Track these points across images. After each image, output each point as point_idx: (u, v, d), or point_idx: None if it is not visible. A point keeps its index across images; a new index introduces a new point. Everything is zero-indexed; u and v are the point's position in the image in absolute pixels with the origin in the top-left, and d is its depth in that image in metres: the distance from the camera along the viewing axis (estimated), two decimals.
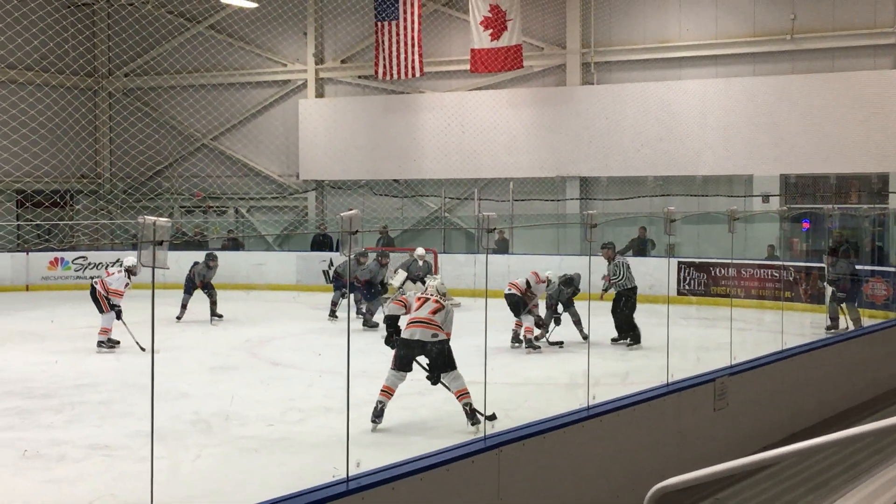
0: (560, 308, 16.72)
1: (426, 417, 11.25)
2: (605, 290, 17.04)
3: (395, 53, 27.53)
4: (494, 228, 8.03)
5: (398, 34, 27.43)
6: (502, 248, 25.21)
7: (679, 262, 22.69)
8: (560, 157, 27.16)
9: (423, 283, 21.32)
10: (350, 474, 6.25)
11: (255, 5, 29.75)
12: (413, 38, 27.31)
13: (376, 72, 28.07)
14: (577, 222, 24.89)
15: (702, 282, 22.66)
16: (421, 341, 10.71)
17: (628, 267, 16.75)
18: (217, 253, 27.71)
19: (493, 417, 9.63)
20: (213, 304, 19.97)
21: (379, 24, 27.67)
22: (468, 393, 10.45)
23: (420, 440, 9.74)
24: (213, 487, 8.64)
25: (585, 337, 15.81)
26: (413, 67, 27.49)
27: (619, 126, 26.37)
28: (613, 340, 16.55)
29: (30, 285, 25.60)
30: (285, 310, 22.53)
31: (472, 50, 26.85)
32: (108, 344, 15.87)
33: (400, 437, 10.13)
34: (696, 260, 22.85)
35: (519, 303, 16.02)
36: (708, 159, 25.51)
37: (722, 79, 25.67)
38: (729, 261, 20.97)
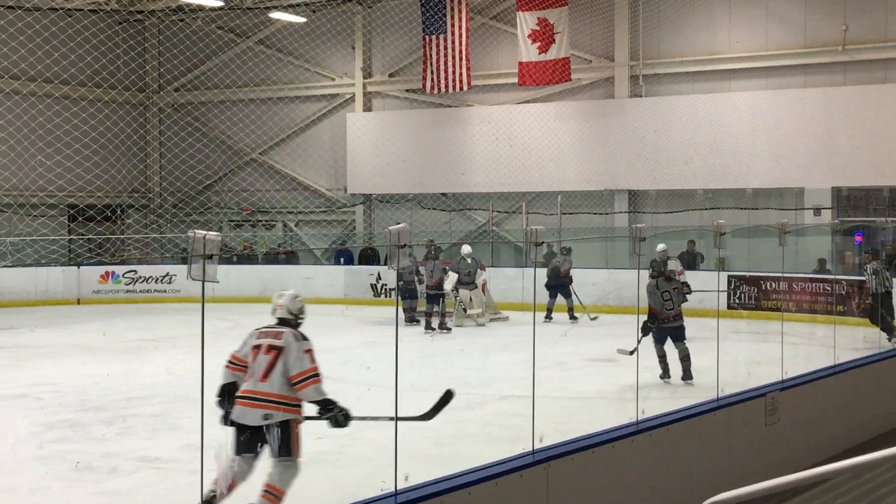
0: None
1: (475, 431, 11.22)
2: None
3: (442, 67, 27.58)
4: (542, 242, 8.00)
5: (446, 48, 27.47)
6: (550, 262, 25.12)
7: (729, 276, 22.49)
8: (608, 170, 27.05)
9: (475, 284, 21.39)
10: (398, 488, 6.25)
11: (303, 20, 29.96)
12: (461, 52, 27.35)
13: (424, 85, 28.13)
14: (626, 236, 24.75)
15: (752, 296, 22.45)
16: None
17: (875, 272, 17.69)
18: (266, 266, 27.96)
19: None
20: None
21: (427, 37, 27.74)
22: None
23: (469, 454, 9.71)
24: None
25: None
26: (461, 81, 27.52)
27: (668, 139, 26.22)
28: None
29: (81, 299, 25.90)
30: (333, 323, 22.61)
31: (520, 63, 26.83)
32: None
33: (448, 451, 10.11)
34: (747, 274, 22.65)
35: None
36: (758, 172, 25.29)
37: (772, 91, 25.46)
38: (780, 274, 20.76)
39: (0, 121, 29.13)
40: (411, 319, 21.43)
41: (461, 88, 27.67)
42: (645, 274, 15.94)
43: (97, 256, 28.73)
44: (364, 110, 30.86)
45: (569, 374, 15.13)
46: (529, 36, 26.63)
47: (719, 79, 26.23)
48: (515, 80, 27.21)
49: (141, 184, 33.73)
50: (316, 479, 9.27)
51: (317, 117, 31.87)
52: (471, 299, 21.68)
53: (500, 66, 28.56)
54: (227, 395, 7.61)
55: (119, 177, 32.53)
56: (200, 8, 29.26)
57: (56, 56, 28.30)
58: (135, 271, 26.58)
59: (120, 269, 26.75)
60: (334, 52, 31.24)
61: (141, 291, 26.43)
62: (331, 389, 14.15)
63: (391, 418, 7.37)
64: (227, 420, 7.56)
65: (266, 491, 7.51)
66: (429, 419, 8.02)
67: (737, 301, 22.50)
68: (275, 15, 29.78)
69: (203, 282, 5.75)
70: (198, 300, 6.22)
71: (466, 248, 21.70)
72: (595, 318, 21.34)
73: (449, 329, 20.57)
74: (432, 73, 27.73)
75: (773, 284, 22.06)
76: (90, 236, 29.84)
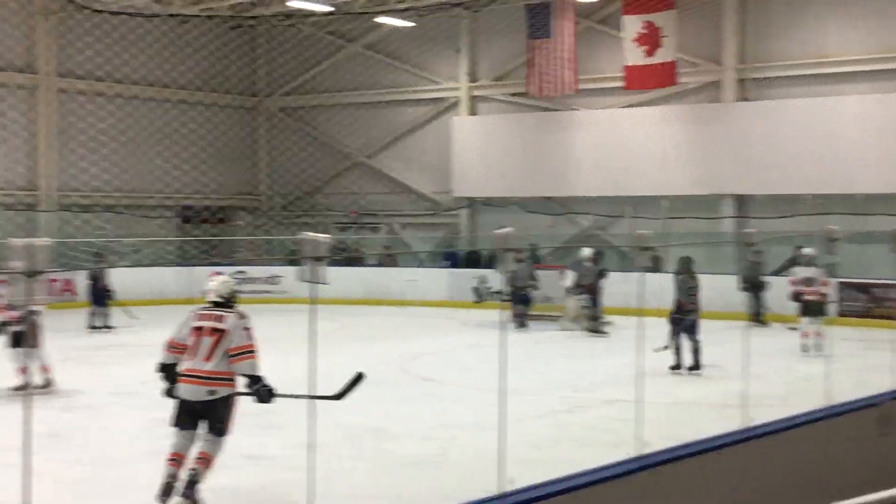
0: None
1: (577, 435, 11.19)
2: None
3: (547, 71, 27.55)
4: (649, 247, 7.96)
5: (551, 52, 27.44)
6: (655, 266, 24.86)
7: (839, 283, 22.01)
8: (714, 174, 26.68)
9: (594, 290, 20.97)
10: (503, 491, 6.27)
11: (410, 25, 30.14)
12: (566, 56, 27.28)
13: (529, 90, 28.12)
14: (732, 241, 24.41)
15: (863, 303, 21.95)
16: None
17: None
18: (371, 269, 28.17)
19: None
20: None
21: (532, 41, 27.74)
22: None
23: (570, 458, 9.68)
24: (365, 501, 8.77)
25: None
26: (566, 85, 27.45)
27: (776, 143, 25.76)
28: None
29: (192, 298, 26.29)
30: (436, 325, 22.74)
31: (626, 67, 26.65)
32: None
33: (549, 455, 10.09)
34: (858, 280, 22.14)
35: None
36: (869, 177, 24.69)
37: (884, 94, 24.85)
38: (892, 281, 20.27)
39: (121, 125, 30.09)
40: (522, 325, 21.34)
41: (566, 92, 27.60)
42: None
43: (208, 257, 29.30)
44: (469, 114, 30.93)
45: (674, 379, 15.00)
46: (635, 39, 26.44)
47: (830, 82, 25.66)
48: (620, 83, 27.03)
49: (251, 186, 34.27)
50: (418, 480, 9.36)
51: (422, 121, 32.03)
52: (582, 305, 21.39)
53: (604, 69, 28.35)
54: (167, 372, 8.30)
55: (230, 179, 33.23)
56: (310, 14, 29.66)
57: (172, 62, 29.19)
58: (243, 272, 27.00)
59: (229, 270, 27.17)
60: (440, 56, 31.38)
61: (249, 292, 26.82)
62: (433, 391, 14.30)
63: (309, 396, 7.54)
64: (169, 393, 8.30)
65: (199, 458, 8.13)
66: (339, 399, 8.22)
67: (847, 308, 22.01)
68: (381, 20, 30.01)
69: (313, 283, 5.85)
70: (303, 301, 6.33)
71: (586, 252, 21.45)
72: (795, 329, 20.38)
73: (606, 333, 20.27)
74: (537, 77, 27.72)
75: (885, 292, 21.54)
76: (202, 238, 30.45)
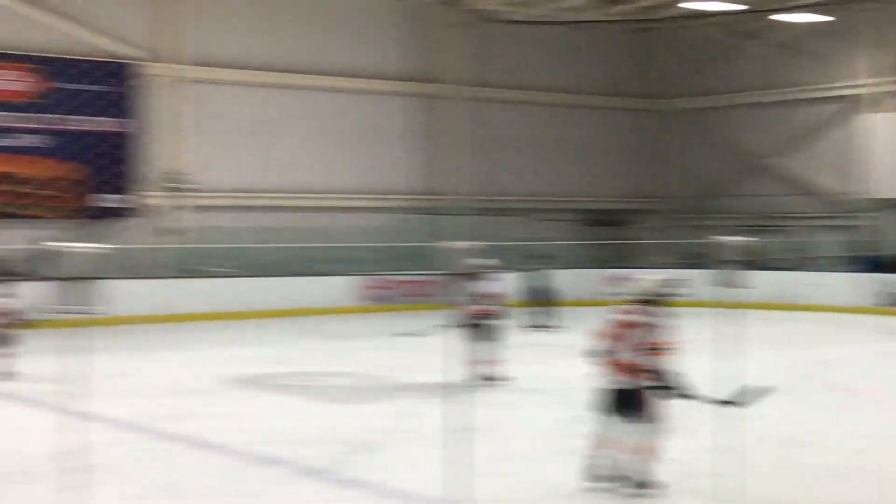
0: None
1: None
2: None
3: None
4: None
5: None
6: None
7: None
8: None
9: None
10: None
11: (829, 19, 28.91)
12: None
13: None
14: None
15: None
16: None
17: None
18: (776, 273, 27.36)
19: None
20: None
21: None
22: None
23: None
24: None
25: None
26: None
27: None
28: None
29: (586, 301, 26.28)
30: (845, 331, 21.85)
31: None
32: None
33: None
34: None
35: None
36: None
37: None
38: None
39: (528, 131, 31.24)
40: None
41: None
42: None
43: (612, 260, 29.51)
44: (882, 111, 29.33)
45: None
46: None
47: None
48: None
49: (650, 189, 34.26)
50: (833, 492, 9.07)
51: (828, 119, 30.76)
52: None
53: None
54: (595, 359, 8.75)
55: (629, 183, 33.52)
56: (712, 14, 29.31)
57: (575, 67, 29.95)
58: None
59: (631, 272, 27.11)
60: (845, 51, 30.04)
61: None
62: (840, 401, 13.76)
63: (713, 401, 7.76)
64: (593, 380, 8.80)
65: (639, 450, 8.50)
66: (742, 406, 8.27)
67: None
68: (780, 17, 29.16)
69: (733, 288, 5.87)
70: (705, 305, 6.37)
71: None
72: None
73: None
74: None
75: None
76: (604, 241, 30.79)
